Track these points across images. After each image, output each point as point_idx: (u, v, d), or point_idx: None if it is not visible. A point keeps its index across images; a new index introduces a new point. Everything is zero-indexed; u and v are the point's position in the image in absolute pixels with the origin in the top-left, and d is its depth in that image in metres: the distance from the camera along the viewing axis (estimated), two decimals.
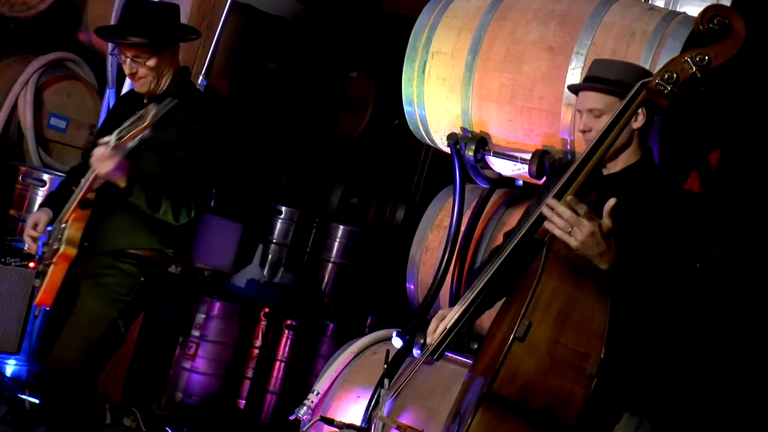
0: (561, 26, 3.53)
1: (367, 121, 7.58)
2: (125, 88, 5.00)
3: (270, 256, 6.58)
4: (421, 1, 4.05)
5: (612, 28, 3.43)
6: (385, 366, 3.20)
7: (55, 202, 3.71)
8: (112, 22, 5.25)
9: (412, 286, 4.34)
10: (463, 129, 3.81)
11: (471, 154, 3.74)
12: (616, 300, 2.51)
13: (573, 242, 2.50)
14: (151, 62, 3.56)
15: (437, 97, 3.84)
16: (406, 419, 3.56)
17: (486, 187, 4.12)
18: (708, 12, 2.67)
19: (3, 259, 4.71)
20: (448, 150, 3.87)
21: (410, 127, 4.08)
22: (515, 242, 2.74)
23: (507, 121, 3.65)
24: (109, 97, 5.30)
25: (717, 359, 3.98)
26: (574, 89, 2.97)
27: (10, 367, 5.09)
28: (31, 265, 4.79)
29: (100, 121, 5.43)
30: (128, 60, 3.57)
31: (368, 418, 3.68)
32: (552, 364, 2.42)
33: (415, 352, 3.83)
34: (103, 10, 5.57)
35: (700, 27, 2.67)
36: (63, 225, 3.52)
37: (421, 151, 6.82)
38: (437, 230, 4.26)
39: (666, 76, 2.65)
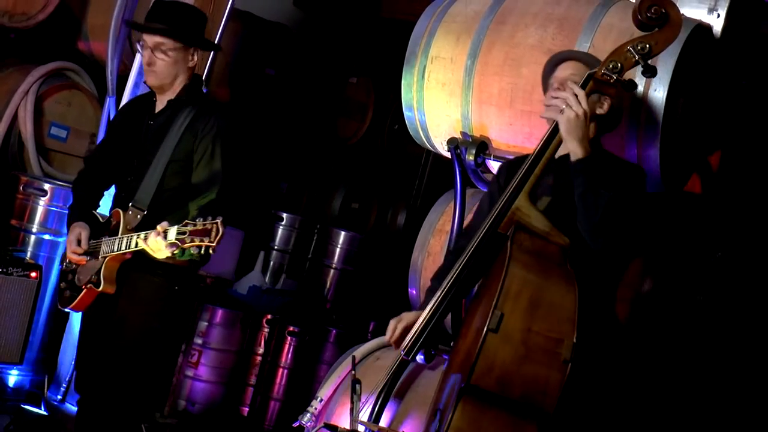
0: (560, 30, 3.53)
1: (367, 127, 7.58)
2: (125, 97, 5.00)
3: (272, 262, 6.59)
4: (420, 6, 4.05)
5: (611, 30, 3.43)
6: (353, 372, 3.23)
7: (83, 215, 3.73)
8: (112, 30, 5.26)
9: (414, 291, 4.34)
10: (463, 133, 3.81)
11: (471, 158, 3.74)
12: (582, 281, 2.59)
13: (563, 117, 2.70)
14: (170, 55, 3.58)
15: (437, 102, 3.84)
16: (409, 425, 3.55)
17: None
18: (645, 2, 2.78)
19: (5, 269, 4.70)
20: (448, 155, 3.87)
21: (410, 132, 4.08)
22: (479, 238, 2.80)
23: (507, 124, 3.65)
24: (110, 106, 5.30)
25: (718, 361, 3.97)
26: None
27: (13, 377, 5.08)
28: (33, 275, 4.80)
29: (101, 130, 5.43)
30: (148, 50, 3.59)
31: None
32: (527, 353, 2.48)
33: (418, 358, 3.81)
34: (103, 19, 5.58)
35: (639, 16, 2.79)
36: (101, 259, 3.54)
37: (422, 156, 6.84)
38: (439, 235, 4.26)
39: (611, 65, 2.77)
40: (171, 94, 3.68)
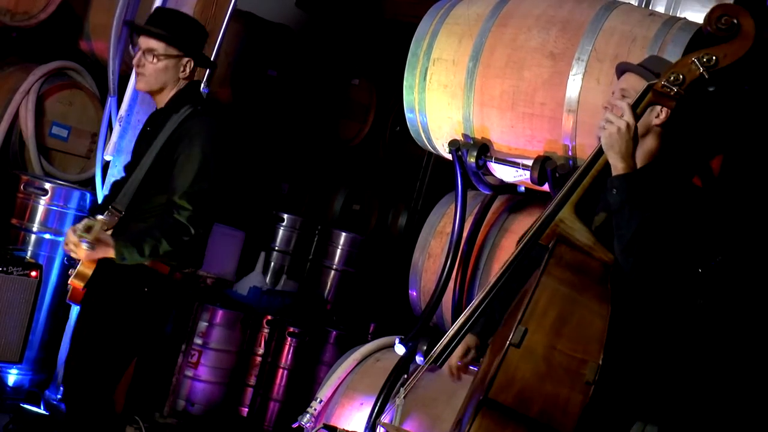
0: (562, 32, 3.53)
1: (368, 128, 7.58)
2: (126, 98, 5.01)
3: (272, 263, 6.58)
4: (422, 7, 4.05)
5: (613, 33, 3.43)
6: (405, 376, 3.20)
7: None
8: (113, 30, 5.26)
9: (414, 293, 4.34)
10: (464, 135, 3.81)
11: (473, 160, 3.74)
12: (622, 302, 2.50)
13: (605, 132, 2.60)
14: (160, 61, 3.59)
15: (439, 104, 3.84)
16: (409, 426, 3.55)
17: (488, 194, 4.12)
18: (716, 11, 2.63)
19: (5, 268, 4.70)
20: (449, 157, 3.87)
21: (412, 134, 4.08)
22: (519, 249, 2.73)
23: (508, 127, 3.65)
24: (111, 106, 5.30)
25: (719, 365, 3.97)
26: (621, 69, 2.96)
27: (12, 376, 5.08)
28: (33, 274, 4.80)
29: (102, 129, 5.42)
30: (140, 53, 3.60)
31: (372, 425, 3.67)
32: (549, 371, 2.40)
33: (418, 359, 3.82)
34: (105, 18, 5.57)
35: (708, 27, 2.64)
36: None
37: (423, 157, 6.84)
38: (439, 237, 4.26)
39: (672, 77, 2.62)
40: (162, 103, 3.69)
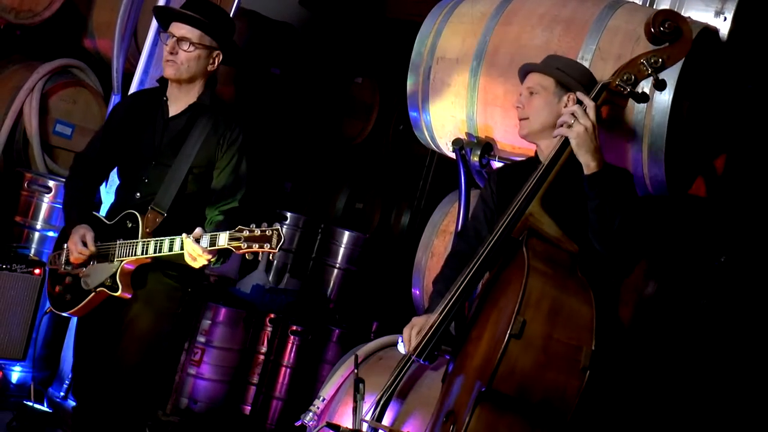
0: (566, 31, 3.53)
1: (372, 127, 7.58)
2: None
3: (275, 261, 6.57)
4: (426, 6, 4.05)
5: (617, 32, 3.43)
6: (356, 371, 3.24)
7: (83, 216, 3.62)
8: (117, 28, 5.27)
9: (417, 292, 4.34)
10: (468, 134, 3.81)
11: (476, 159, 3.74)
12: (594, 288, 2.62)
13: (573, 132, 2.75)
14: (195, 50, 3.54)
15: (442, 103, 3.84)
16: (411, 425, 3.55)
17: None
18: (659, 16, 2.86)
19: (9, 266, 4.71)
20: (453, 155, 3.86)
21: (415, 133, 4.08)
22: (491, 242, 2.81)
23: (512, 126, 3.65)
24: (114, 104, 5.31)
25: (721, 364, 3.96)
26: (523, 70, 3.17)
27: (16, 373, 5.09)
28: (37, 271, 4.80)
29: None
30: (173, 40, 3.53)
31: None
32: (548, 359, 2.50)
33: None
34: (109, 16, 5.59)
35: (652, 30, 2.86)
36: (117, 262, 3.47)
37: (426, 156, 6.84)
38: (443, 236, 4.26)
39: (625, 77, 2.86)
40: (186, 95, 3.63)
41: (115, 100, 5.31)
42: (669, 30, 2.83)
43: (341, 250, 6.75)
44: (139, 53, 5.14)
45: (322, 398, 3.95)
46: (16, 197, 5.26)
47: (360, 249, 6.78)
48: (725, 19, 3.62)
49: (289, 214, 6.65)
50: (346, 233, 6.78)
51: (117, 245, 3.48)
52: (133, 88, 5.01)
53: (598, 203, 2.75)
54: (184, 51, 3.53)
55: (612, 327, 2.92)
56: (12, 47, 5.68)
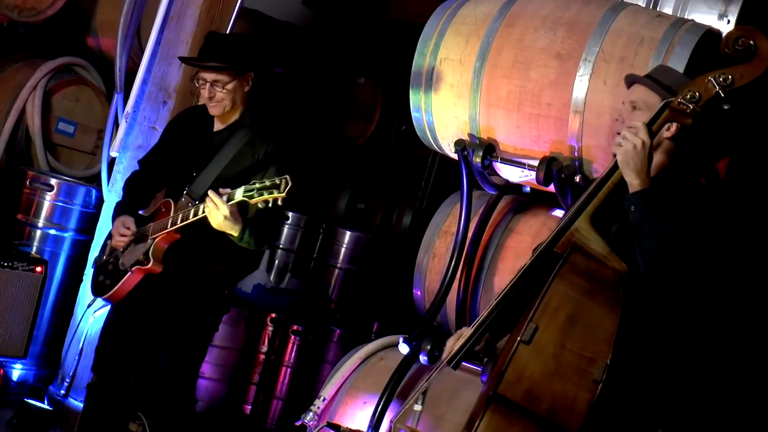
0: (569, 33, 3.53)
1: (374, 127, 7.58)
2: (132, 94, 5.00)
3: (277, 261, 6.58)
4: (429, 7, 4.05)
5: (620, 35, 3.43)
6: (427, 380, 3.21)
7: (130, 211, 3.91)
8: (121, 27, 5.27)
9: (419, 292, 4.34)
10: (470, 135, 3.81)
11: (478, 160, 3.74)
12: (637, 310, 2.55)
13: (621, 149, 2.66)
14: (230, 86, 3.80)
15: (445, 104, 3.84)
16: (411, 425, 3.55)
17: (493, 194, 4.12)
18: (733, 33, 2.72)
19: (10, 264, 4.71)
20: (455, 156, 3.86)
21: (418, 133, 4.08)
22: (534, 256, 2.76)
23: (515, 127, 3.65)
24: (117, 103, 5.30)
25: (723, 367, 3.96)
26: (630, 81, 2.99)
27: (17, 371, 5.10)
28: (38, 269, 4.81)
29: (109, 126, 5.44)
30: (208, 85, 3.78)
31: (375, 424, 3.67)
32: (557, 368, 2.45)
33: (422, 358, 3.81)
34: (112, 15, 5.59)
35: (726, 49, 2.71)
36: (150, 240, 3.72)
37: (428, 157, 6.84)
38: (444, 236, 4.26)
39: (689, 95, 2.68)
40: (231, 114, 3.90)
41: (117, 98, 5.31)
42: (742, 48, 2.69)
43: (343, 250, 6.75)
44: (142, 52, 5.15)
45: (322, 398, 3.96)
46: (18, 195, 5.26)
47: (361, 249, 6.78)
48: (729, 21, 3.62)
49: (290, 214, 6.65)
50: (348, 233, 6.78)
51: (151, 226, 3.75)
52: (135, 87, 5.01)
53: (637, 223, 2.68)
54: (220, 91, 3.80)
55: (638, 351, 2.81)
56: (15, 45, 5.68)
